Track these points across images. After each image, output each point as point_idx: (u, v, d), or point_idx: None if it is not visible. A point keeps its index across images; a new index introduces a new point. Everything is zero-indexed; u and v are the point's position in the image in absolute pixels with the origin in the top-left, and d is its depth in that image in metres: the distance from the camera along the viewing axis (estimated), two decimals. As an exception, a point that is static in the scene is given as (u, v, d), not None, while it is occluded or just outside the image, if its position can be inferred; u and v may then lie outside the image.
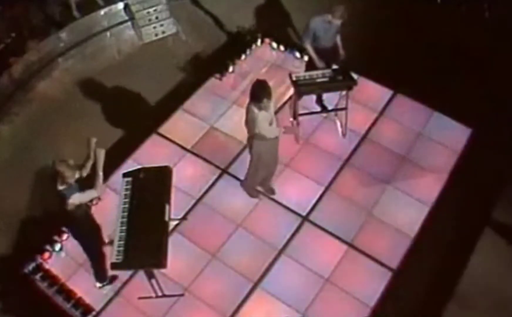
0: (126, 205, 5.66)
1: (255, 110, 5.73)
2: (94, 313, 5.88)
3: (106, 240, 5.91)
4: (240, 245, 6.32)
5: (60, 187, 5.17)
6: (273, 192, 6.69)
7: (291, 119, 7.28)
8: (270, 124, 5.90)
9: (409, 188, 6.69)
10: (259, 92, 5.65)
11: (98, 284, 5.98)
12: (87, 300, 5.94)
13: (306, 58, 7.45)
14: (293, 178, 6.86)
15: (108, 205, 6.40)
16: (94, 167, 5.37)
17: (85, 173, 5.49)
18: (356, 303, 5.84)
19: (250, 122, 5.85)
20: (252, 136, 5.99)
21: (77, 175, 5.23)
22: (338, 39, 6.87)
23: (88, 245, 5.73)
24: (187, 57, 8.49)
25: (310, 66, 6.97)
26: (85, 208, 5.50)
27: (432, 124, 7.31)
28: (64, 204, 5.19)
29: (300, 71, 7.10)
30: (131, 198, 5.71)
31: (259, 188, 6.69)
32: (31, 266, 6.15)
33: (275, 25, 8.77)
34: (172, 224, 6.20)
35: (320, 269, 6.09)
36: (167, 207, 5.60)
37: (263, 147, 6.02)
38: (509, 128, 7.03)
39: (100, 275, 5.93)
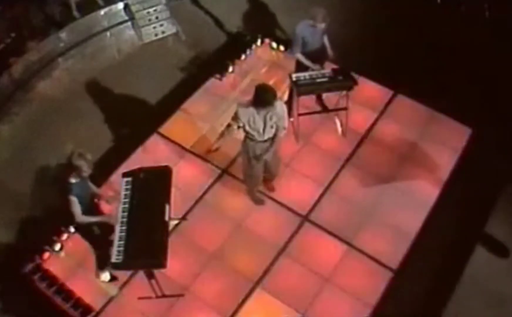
0: (126, 205, 5.65)
1: (245, 105, 5.71)
2: (93, 313, 5.88)
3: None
4: (240, 245, 6.32)
5: (73, 180, 5.20)
6: (273, 189, 6.72)
7: (291, 119, 7.27)
8: (264, 129, 5.78)
9: (409, 188, 6.69)
10: (257, 97, 5.58)
11: (99, 272, 5.90)
12: (87, 300, 5.93)
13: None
14: (293, 178, 6.85)
15: (108, 205, 6.40)
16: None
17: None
18: (356, 303, 5.84)
19: None
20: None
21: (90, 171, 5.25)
22: (325, 39, 6.84)
23: (89, 237, 5.71)
24: (187, 57, 8.49)
25: (299, 65, 6.90)
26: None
27: (432, 124, 7.31)
28: (65, 198, 5.19)
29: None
30: (131, 198, 5.70)
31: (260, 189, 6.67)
32: (30, 266, 6.15)
33: (275, 25, 8.78)
34: (172, 224, 6.19)
35: (320, 269, 6.08)
36: (167, 207, 5.60)
37: (247, 146, 6.01)
38: (509, 128, 7.03)
39: (102, 261, 5.84)
